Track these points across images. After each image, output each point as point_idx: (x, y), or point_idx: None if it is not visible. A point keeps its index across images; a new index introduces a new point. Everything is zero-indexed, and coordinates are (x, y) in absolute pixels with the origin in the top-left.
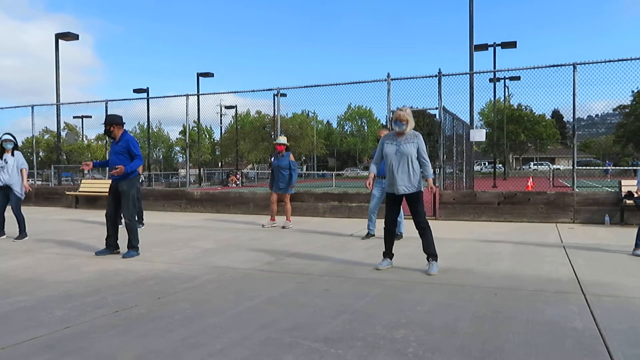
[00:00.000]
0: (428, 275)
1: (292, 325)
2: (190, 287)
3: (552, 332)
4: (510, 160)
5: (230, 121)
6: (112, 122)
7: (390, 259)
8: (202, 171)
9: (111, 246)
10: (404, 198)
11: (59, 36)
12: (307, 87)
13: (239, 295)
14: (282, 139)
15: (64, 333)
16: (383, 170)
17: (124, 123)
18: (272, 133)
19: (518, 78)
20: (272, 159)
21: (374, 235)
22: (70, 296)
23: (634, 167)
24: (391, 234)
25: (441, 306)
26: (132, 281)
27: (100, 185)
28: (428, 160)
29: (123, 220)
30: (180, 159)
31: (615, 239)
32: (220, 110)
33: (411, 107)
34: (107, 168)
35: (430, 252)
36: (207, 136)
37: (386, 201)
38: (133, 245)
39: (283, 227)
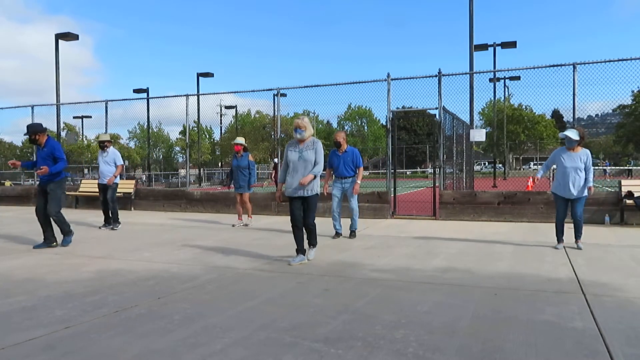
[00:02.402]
0: (307, 260)
1: (292, 325)
2: (190, 287)
3: (552, 332)
4: (510, 160)
5: (230, 121)
6: (36, 130)
7: (303, 255)
8: (202, 171)
9: (48, 240)
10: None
11: (59, 36)
12: (307, 87)
13: (239, 295)
14: (240, 140)
15: (64, 333)
16: (340, 171)
17: (46, 129)
18: (272, 133)
19: (518, 78)
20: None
21: (341, 234)
22: (70, 296)
23: (629, 168)
24: (300, 231)
25: (441, 306)
26: (132, 281)
27: None
28: (321, 163)
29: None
30: (180, 159)
31: (615, 239)
32: (220, 110)
33: (411, 107)
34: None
35: (312, 242)
36: (207, 136)
37: (290, 202)
38: (65, 231)
39: (245, 225)
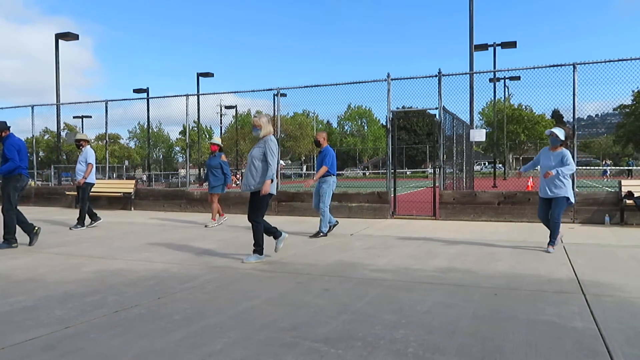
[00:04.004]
0: (243, 263)
1: (292, 325)
2: (190, 287)
3: (552, 332)
4: (510, 160)
5: (230, 121)
6: (3, 128)
7: (281, 234)
8: (202, 171)
9: (30, 234)
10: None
11: (59, 36)
12: (307, 87)
13: (239, 295)
14: (216, 140)
15: (64, 333)
16: (317, 170)
17: (9, 127)
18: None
19: (518, 78)
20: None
21: (334, 223)
22: (70, 296)
23: (629, 168)
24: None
25: (441, 306)
26: (132, 281)
27: (100, 185)
28: (272, 162)
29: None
30: (180, 159)
31: (615, 239)
32: (220, 110)
33: (411, 107)
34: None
35: (256, 242)
36: (207, 136)
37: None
38: (6, 237)
39: (205, 226)
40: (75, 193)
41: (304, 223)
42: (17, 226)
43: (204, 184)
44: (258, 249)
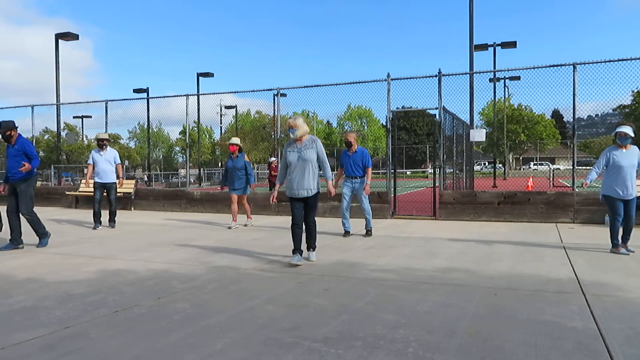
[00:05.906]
0: (310, 261)
1: (292, 325)
2: (190, 287)
3: (552, 332)
4: (510, 160)
5: (230, 121)
6: (12, 127)
7: (301, 255)
8: (202, 171)
9: (15, 241)
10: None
11: (59, 36)
12: (307, 87)
13: (239, 295)
14: (235, 140)
15: (64, 333)
16: (351, 171)
17: (17, 127)
18: (272, 133)
19: (518, 78)
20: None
21: (350, 232)
22: (70, 296)
23: None
24: (300, 230)
25: (441, 306)
26: (132, 281)
27: None
28: (327, 162)
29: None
30: (180, 159)
31: None
32: (220, 110)
33: (411, 107)
34: (6, 171)
35: (312, 245)
36: (207, 136)
37: (291, 202)
38: (40, 233)
39: (245, 225)
40: (76, 193)
41: None
42: (18, 226)
43: (224, 188)
44: (315, 246)
